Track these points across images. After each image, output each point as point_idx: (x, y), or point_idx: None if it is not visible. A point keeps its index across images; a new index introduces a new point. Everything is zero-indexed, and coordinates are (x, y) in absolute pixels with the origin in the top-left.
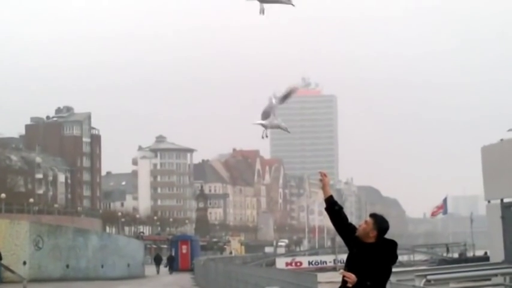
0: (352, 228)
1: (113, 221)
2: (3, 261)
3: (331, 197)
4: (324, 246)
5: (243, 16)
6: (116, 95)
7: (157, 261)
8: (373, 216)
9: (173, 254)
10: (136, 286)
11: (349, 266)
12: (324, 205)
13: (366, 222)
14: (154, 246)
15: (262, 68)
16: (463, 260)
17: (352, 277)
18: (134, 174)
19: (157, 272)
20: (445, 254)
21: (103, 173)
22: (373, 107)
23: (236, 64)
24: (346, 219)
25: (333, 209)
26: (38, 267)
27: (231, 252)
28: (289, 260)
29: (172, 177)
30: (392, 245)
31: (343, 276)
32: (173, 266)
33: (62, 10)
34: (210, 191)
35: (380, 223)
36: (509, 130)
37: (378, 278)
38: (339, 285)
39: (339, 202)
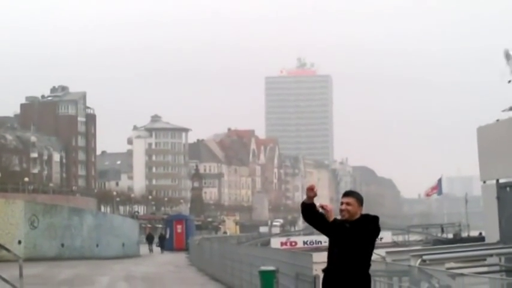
0: (333, 221)
1: (107, 200)
2: None
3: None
4: None
5: None
6: (111, 75)
7: (150, 240)
8: (351, 194)
9: (164, 233)
10: (131, 265)
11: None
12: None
13: (348, 203)
14: (149, 225)
15: (258, 49)
16: (458, 240)
17: (329, 206)
18: (129, 153)
19: (150, 250)
20: (439, 235)
21: (98, 152)
22: (368, 87)
23: (231, 45)
24: (325, 219)
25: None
26: (33, 246)
27: (225, 232)
28: (284, 239)
29: (167, 156)
30: (376, 218)
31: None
32: (164, 245)
33: None
34: (205, 170)
35: (360, 198)
36: (504, 111)
37: (365, 250)
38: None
39: (334, 183)
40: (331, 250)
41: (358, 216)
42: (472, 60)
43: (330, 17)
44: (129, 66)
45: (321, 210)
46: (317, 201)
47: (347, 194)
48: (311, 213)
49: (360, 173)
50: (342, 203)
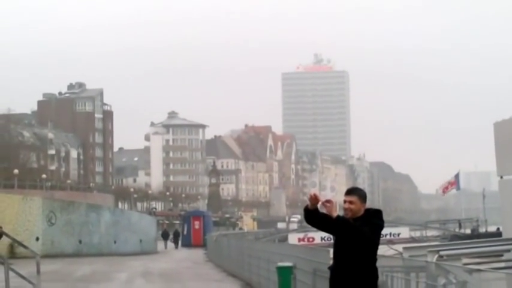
0: None
1: (125, 196)
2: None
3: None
4: None
5: None
6: (128, 72)
7: (165, 236)
8: (353, 191)
9: (181, 229)
10: (148, 262)
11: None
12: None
13: (351, 202)
14: (166, 222)
15: (274, 45)
16: (475, 235)
17: (332, 202)
18: (146, 150)
19: (165, 247)
20: (457, 230)
21: (115, 149)
22: (385, 83)
23: (248, 41)
24: (329, 218)
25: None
26: (50, 243)
27: (241, 228)
28: (301, 235)
29: (184, 153)
30: (378, 212)
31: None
32: (178, 241)
33: None
34: (222, 166)
35: (362, 194)
36: None
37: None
38: None
39: (352, 178)
40: (337, 248)
41: (361, 213)
42: (489, 56)
43: (346, 14)
44: (146, 63)
45: (325, 207)
46: (334, 197)
47: (349, 192)
48: (314, 218)
49: (377, 169)
50: (344, 202)
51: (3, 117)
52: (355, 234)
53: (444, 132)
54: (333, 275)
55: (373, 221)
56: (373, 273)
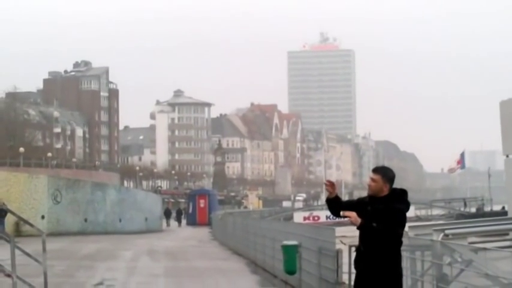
0: (357, 201)
1: (130, 175)
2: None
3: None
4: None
5: None
6: (134, 50)
7: (167, 214)
8: (378, 170)
9: (184, 208)
10: (154, 240)
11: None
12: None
13: (373, 180)
14: (172, 200)
15: (280, 24)
16: (480, 214)
17: (353, 214)
18: (152, 128)
19: (168, 224)
20: (462, 209)
21: (121, 127)
22: (391, 61)
23: (254, 20)
24: (351, 202)
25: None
26: (56, 221)
27: (245, 207)
28: (307, 214)
29: (190, 131)
30: (404, 192)
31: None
32: (181, 219)
33: None
34: (227, 145)
35: (388, 175)
36: None
37: (392, 223)
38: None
39: (357, 157)
40: (362, 234)
41: (385, 193)
42: (493, 34)
43: None
44: (152, 42)
45: (348, 218)
46: (340, 176)
47: (375, 170)
48: (337, 207)
49: (382, 148)
50: (370, 178)
51: (9, 96)
52: (379, 235)
53: (450, 111)
54: (358, 258)
55: (396, 206)
56: (396, 258)
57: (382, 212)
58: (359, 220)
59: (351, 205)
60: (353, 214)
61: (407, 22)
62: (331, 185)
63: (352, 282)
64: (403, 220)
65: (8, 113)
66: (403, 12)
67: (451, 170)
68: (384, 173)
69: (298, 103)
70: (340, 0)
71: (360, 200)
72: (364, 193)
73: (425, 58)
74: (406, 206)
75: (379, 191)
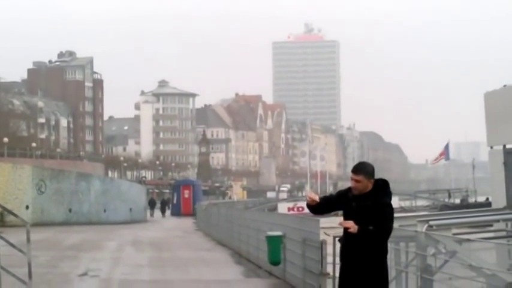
0: (337, 195)
1: (115, 165)
2: (7, 206)
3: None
4: (326, 192)
5: None
6: (118, 40)
7: (152, 205)
8: (359, 170)
9: (169, 198)
10: (138, 230)
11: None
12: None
13: (357, 181)
14: (156, 191)
15: (265, 14)
16: (464, 205)
17: (350, 224)
18: (136, 118)
19: (152, 215)
20: (447, 200)
21: (105, 117)
22: (375, 52)
23: (239, 10)
24: (330, 198)
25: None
26: (40, 212)
27: (230, 197)
28: (291, 205)
29: (174, 121)
30: (386, 184)
31: (344, 228)
32: (165, 210)
33: None
34: (212, 135)
35: (369, 171)
36: None
37: (384, 220)
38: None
39: (342, 148)
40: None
41: (369, 188)
42: (479, 24)
43: None
44: (137, 31)
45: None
46: (324, 167)
47: (356, 170)
48: (318, 209)
49: (367, 138)
50: (352, 179)
51: None
52: (375, 237)
53: (434, 102)
54: (344, 249)
55: (384, 201)
56: (384, 251)
57: (371, 208)
58: (356, 227)
59: (330, 202)
60: (350, 223)
61: (392, 13)
62: (313, 201)
63: (337, 274)
64: (392, 214)
65: None
66: (387, 3)
67: (434, 161)
68: (366, 171)
69: (283, 94)
70: None
71: (341, 194)
72: (349, 183)
73: (410, 48)
74: (390, 197)
75: (365, 189)
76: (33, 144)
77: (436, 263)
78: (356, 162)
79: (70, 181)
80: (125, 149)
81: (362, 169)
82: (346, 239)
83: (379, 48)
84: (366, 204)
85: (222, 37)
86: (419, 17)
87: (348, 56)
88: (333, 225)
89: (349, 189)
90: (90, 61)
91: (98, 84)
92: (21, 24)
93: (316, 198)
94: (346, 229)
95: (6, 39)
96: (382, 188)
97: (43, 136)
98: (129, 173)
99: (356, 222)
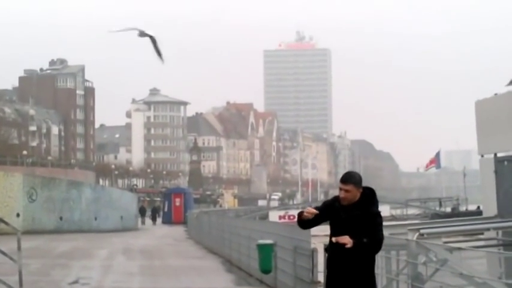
0: (324, 206)
1: (106, 173)
2: None
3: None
4: (317, 200)
5: None
6: (110, 48)
7: (142, 213)
8: (348, 180)
9: (161, 206)
10: (129, 238)
11: (339, 233)
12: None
13: (346, 191)
14: (147, 199)
15: (256, 22)
16: (455, 214)
17: (346, 239)
18: (128, 126)
19: (142, 223)
20: (438, 208)
21: (97, 125)
22: (367, 60)
23: (230, 18)
24: (320, 213)
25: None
26: (31, 219)
27: (221, 205)
28: (282, 213)
29: (165, 130)
30: (373, 193)
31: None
32: (156, 217)
33: None
34: (203, 144)
35: (358, 180)
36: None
37: (375, 230)
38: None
39: (333, 156)
40: (333, 232)
41: (358, 197)
42: (471, 34)
43: None
44: (128, 39)
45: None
46: (315, 175)
47: (345, 180)
48: (308, 223)
49: (358, 147)
50: (340, 189)
51: None
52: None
53: (426, 110)
54: (331, 258)
55: (373, 211)
56: (372, 259)
57: (360, 218)
58: (351, 241)
59: (319, 215)
60: (346, 239)
61: (384, 22)
62: (312, 214)
63: None
64: (382, 223)
65: None
66: (379, 12)
67: (426, 168)
68: (355, 180)
69: (274, 102)
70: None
71: (328, 205)
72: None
73: (401, 57)
74: (377, 206)
75: (354, 198)
76: (24, 152)
77: (427, 271)
78: (347, 170)
79: (61, 189)
80: (116, 157)
81: (351, 178)
82: (333, 249)
83: (371, 57)
84: (355, 214)
85: (213, 45)
86: (410, 26)
87: (340, 64)
88: (324, 233)
89: (335, 199)
90: (82, 69)
91: (90, 92)
92: (13, 32)
93: (315, 211)
94: (337, 242)
95: None
96: (371, 197)
97: (34, 144)
98: (120, 181)
99: (346, 233)
